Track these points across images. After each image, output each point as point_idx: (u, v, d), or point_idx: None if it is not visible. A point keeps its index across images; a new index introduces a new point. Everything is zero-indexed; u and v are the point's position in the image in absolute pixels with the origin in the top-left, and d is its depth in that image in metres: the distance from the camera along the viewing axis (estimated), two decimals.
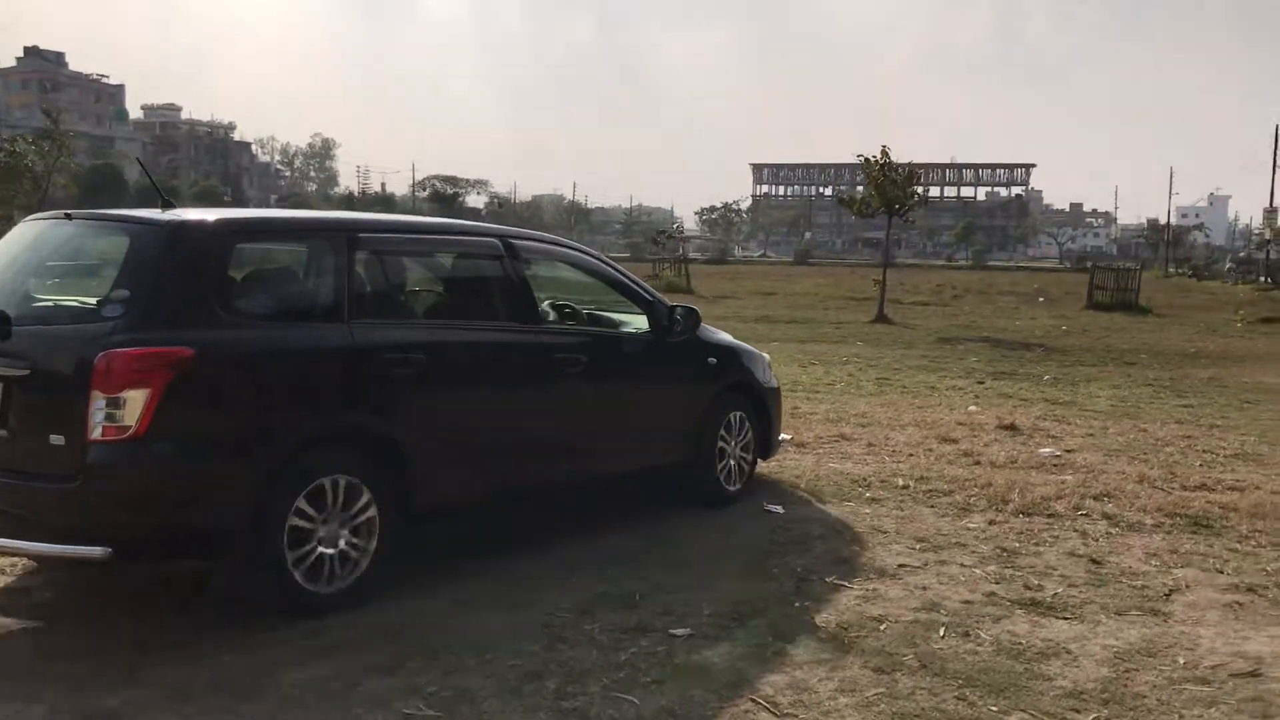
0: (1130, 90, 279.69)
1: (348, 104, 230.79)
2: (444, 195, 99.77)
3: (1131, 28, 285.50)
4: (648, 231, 73.39)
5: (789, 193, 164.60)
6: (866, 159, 25.94)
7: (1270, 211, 61.98)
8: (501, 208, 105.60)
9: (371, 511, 4.94)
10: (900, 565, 5.75)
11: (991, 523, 6.66)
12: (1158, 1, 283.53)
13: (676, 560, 5.79)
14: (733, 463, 7.04)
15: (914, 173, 26.30)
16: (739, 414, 7.09)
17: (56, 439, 4.40)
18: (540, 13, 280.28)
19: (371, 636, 4.57)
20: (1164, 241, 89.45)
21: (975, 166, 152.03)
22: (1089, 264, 41.88)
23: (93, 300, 4.84)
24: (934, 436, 9.42)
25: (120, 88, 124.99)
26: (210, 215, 5.03)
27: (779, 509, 6.84)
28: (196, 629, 4.70)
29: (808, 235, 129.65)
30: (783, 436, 8.04)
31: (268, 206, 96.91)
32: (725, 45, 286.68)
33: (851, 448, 8.93)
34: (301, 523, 4.70)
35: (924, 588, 5.40)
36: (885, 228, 29.00)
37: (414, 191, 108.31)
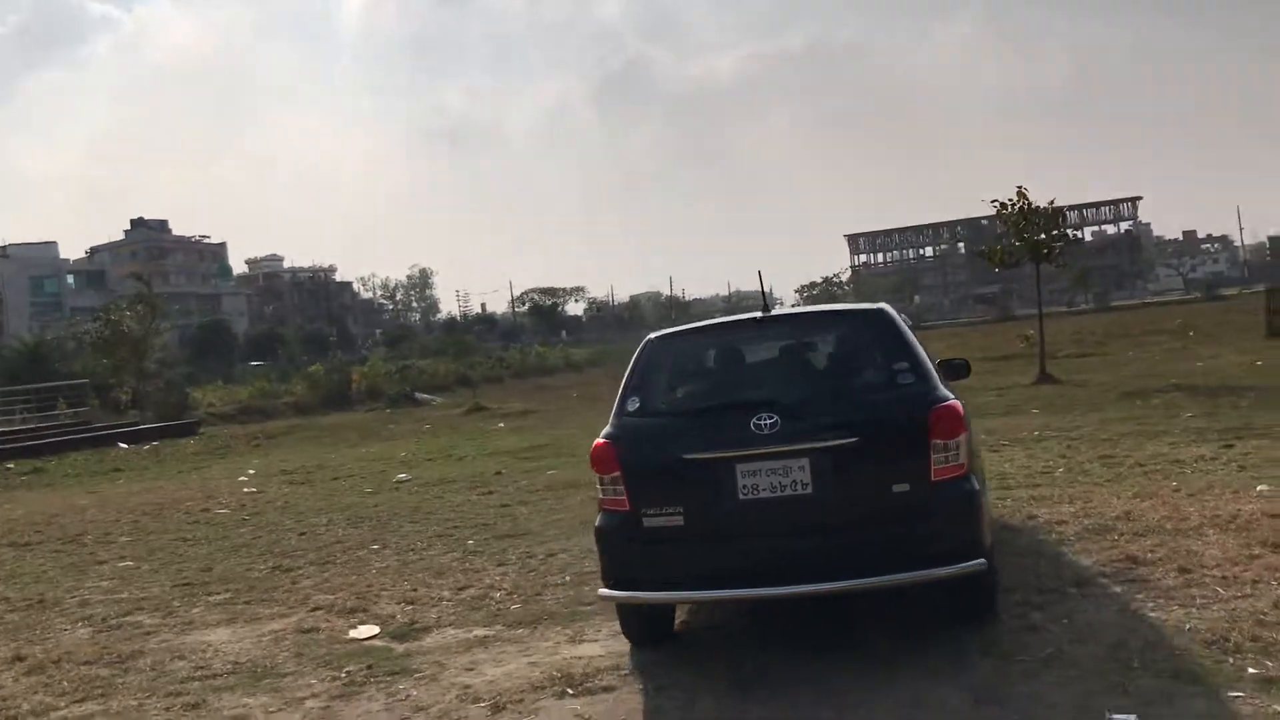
0: (1224, 110, 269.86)
1: (440, 232, 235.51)
2: (544, 307, 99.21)
3: (1215, 44, 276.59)
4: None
5: (888, 259, 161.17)
6: (1002, 204, 23.33)
7: None
8: (600, 312, 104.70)
9: None
10: None
11: None
12: (1231, 13, 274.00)
13: None
14: None
15: (1058, 212, 23.54)
16: None
17: (900, 486, 5.28)
18: (612, 116, 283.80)
19: None
20: None
21: (1079, 207, 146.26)
22: (1265, 288, 37.58)
23: (856, 374, 6.13)
24: (1257, 543, 6.79)
25: (222, 245, 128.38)
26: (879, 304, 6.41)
27: None
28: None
29: (917, 299, 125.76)
30: None
31: (372, 340, 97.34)
32: (798, 120, 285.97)
33: (1159, 576, 6.34)
34: None
35: None
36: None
37: (514, 307, 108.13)
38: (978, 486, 5.48)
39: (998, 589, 5.83)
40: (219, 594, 8.75)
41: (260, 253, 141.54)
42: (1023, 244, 23.27)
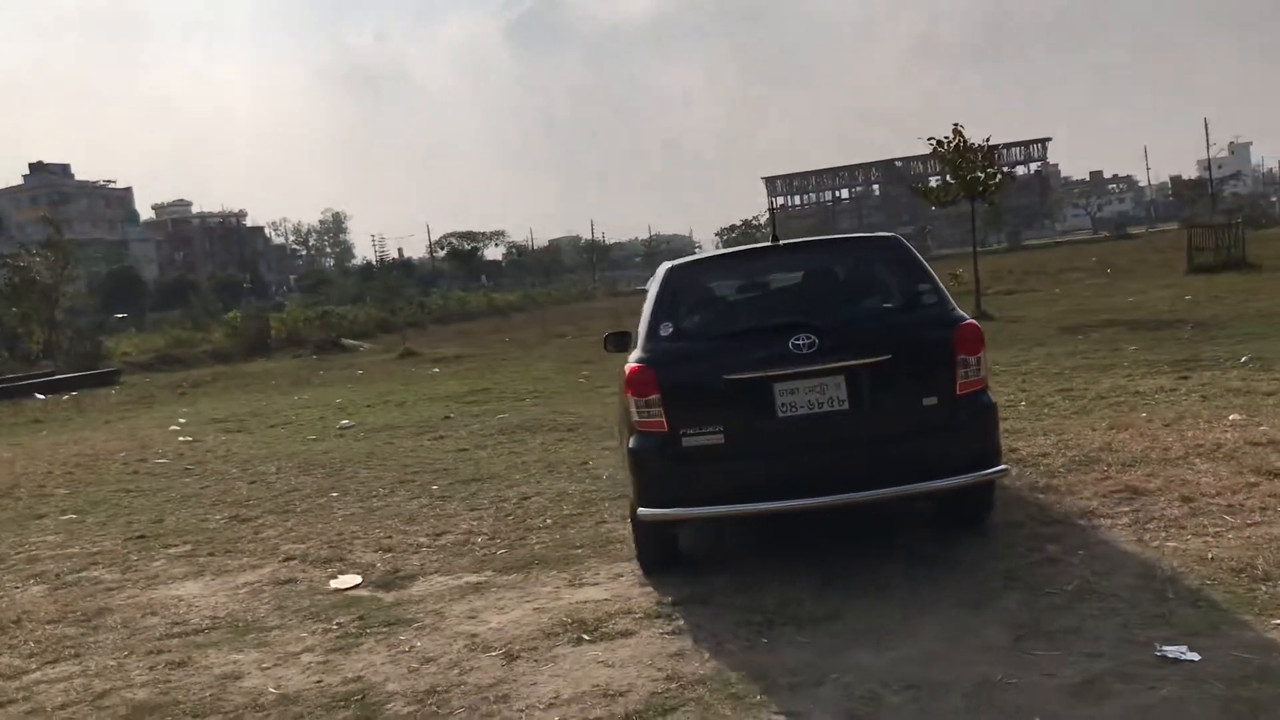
0: (1126, 52, 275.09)
1: (354, 177, 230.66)
2: (463, 252, 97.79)
3: None
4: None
5: (805, 201, 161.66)
6: (939, 141, 23.32)
7: None
8: (521, 256, 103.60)
9: None
10: None
11: None
12: None
13: None
14: None
15: (993, 151, 23.62)
16: None
17: (929, 400, 5.62)
18: (527, 58, 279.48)
19: None
20: (1206, 195, 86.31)
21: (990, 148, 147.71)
22: (1187, 225, 38.40)
23: (880, 297, 6.36)
24: (1249, 470, 6.81)
25: (128, 191, 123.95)
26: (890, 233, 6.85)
27: (1186, 653, 4.22)
28: None
29: None
30: None
31: (287, 286, 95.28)
32: (712, 62, 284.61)
33: (1163, 506, 6.31)
34: None
35: None
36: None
37: (432, 252, 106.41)
38: (994, 400, 5.87)
39: (993, 496, 6.23)
40: (177, 546, 8.36)
41: (167, 198, 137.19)
42: (959, 182, 23.33)
